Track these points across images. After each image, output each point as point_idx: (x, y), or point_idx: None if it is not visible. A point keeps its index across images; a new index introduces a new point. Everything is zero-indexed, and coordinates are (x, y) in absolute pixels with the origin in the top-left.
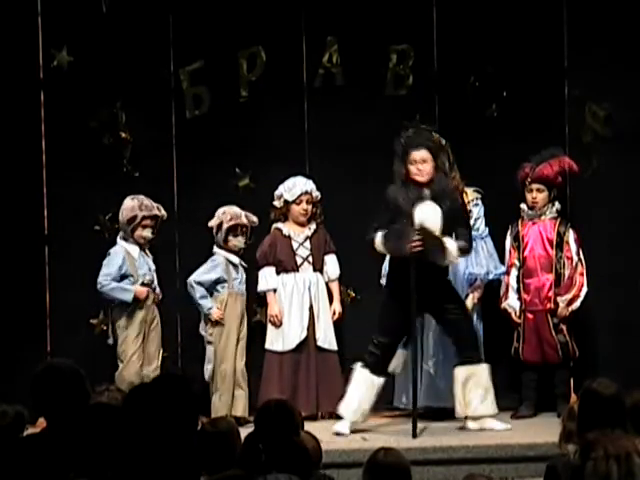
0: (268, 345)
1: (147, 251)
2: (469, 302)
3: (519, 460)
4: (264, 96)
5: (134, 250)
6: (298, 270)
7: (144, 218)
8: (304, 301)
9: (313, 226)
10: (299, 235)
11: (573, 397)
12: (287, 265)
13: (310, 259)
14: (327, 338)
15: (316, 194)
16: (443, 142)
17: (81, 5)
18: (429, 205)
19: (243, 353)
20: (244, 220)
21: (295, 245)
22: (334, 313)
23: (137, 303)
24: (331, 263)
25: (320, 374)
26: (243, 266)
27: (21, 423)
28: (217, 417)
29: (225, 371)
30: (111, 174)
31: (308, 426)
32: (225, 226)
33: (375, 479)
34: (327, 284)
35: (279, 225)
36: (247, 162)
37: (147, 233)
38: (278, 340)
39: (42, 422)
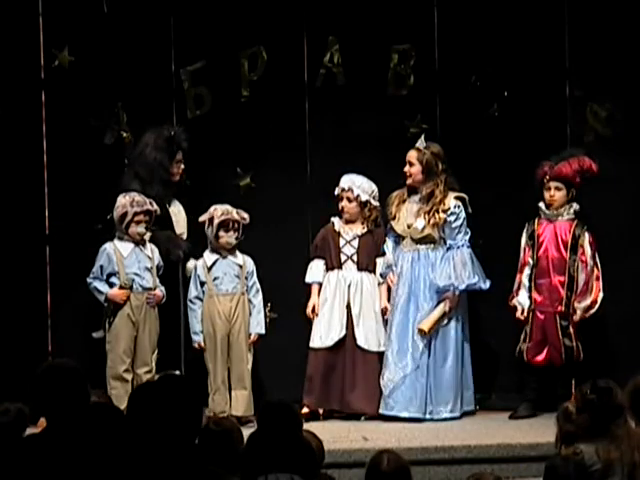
0: (311, 342)
1: (148, 248)
2: (437, 311)
3: (520, 460)
4: (265, 96)
5: (126, 248)
6: (341, 267)
7: (136, 214)
8: (343, 299)
9: (367, 226)
10: (348, 233)
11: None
12: (331, 261)
13: (355, 258)
14: (367, 339)
15: (357, 193)
16: (436, 149)
17: (82, 5)
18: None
19: (243, 353)
20: (235, 216)
21: (342, 242)
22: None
23: (118, 305)
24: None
25: (359, 374)
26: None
27: (23, 420)
28: (221, 416)
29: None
30: (112, 174)
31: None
32: (216, 221)
33: None
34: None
35: (334, 219)
36: (248, 162)
37: (141, 229)
38: (317, 337)
39: (43, 422)
